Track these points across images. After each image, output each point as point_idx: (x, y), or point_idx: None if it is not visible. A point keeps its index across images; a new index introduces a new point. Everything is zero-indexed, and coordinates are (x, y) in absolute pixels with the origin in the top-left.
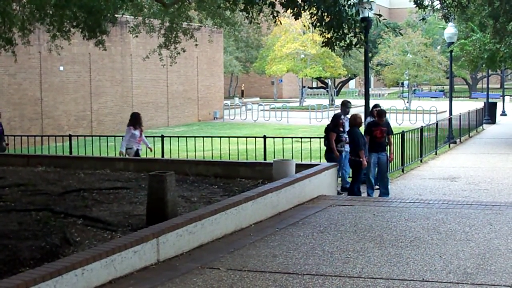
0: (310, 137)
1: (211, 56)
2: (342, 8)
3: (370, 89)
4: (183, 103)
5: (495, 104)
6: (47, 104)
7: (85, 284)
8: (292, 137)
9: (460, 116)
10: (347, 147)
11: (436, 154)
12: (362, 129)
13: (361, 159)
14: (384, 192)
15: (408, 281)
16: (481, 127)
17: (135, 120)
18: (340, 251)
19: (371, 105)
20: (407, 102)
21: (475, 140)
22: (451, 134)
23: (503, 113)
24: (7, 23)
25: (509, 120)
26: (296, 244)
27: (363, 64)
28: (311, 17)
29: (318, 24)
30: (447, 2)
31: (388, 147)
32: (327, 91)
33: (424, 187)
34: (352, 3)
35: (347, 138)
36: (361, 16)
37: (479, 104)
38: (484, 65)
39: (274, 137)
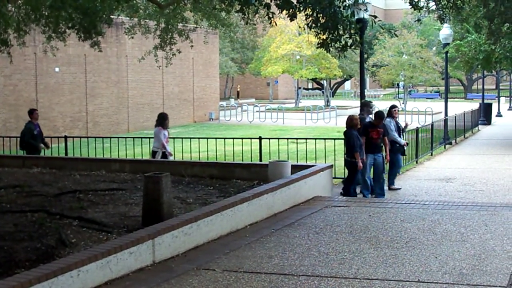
0: (306, 138)
1: (207, 57)
2: (338, 9)
3: (365, 90)
4: (179, 104)
5: (490, 105)
6: (42, 105)
7: (80, 285)
8: (287, 138)
9: (455, 117)
10: None
11: (431, 155)
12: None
13: (357, 161)
14: (380, 193)
15: (404, 282)
16: (476, 128)
17: (163, 120)
18: (335, 252)
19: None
20: (403, 103)
21: (471, 141)
22: (446, 135)
23: (499, 114)
24: (2, 24)
25: (504, 121)
26: (291, 245)
27: (359, 65)
28: (306, 18)
29: (313, 25)
30: (442, 3)
31: (384, 148)
32: (323, 92)
33: (420, 188)
34: (347, 5)
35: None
36: (356, 17)
37: (475, 105)
38: (479, 66)
39: (269, 138)
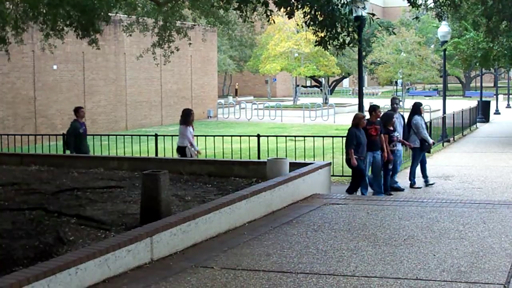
0: (304, 136)
1: (205, 55)
2: (336, 7)
3: (364, 88)
4: (177, 101)
5: (488, 102)
6: (40, 103)
7: (78, 283)
8: (286, 136)
9: (453, 114)
10: (399, 146)
11: (429, 152)
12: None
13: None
14: (378, 191)
15: (402, 279)
16: (474, 126)
17: (188, 117)
18: (334, 250)
19: (365, 104)
20: (401, 101)
21: (469, 139)
22: (444, 133)
23: (497, 112)
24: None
25: (502, 119)
26: (290, 243)
27: (357, 63)
28: (304, 16)
29: (311, 23)
30: (441, 1)
31: (381, 145)
32: (321, 90)
33: (418, 185)
34: (345, 2)
35: (399, 136)
36: (354, 15)
37: (473, 103)
38: (477, 64)
39: (268, 136)
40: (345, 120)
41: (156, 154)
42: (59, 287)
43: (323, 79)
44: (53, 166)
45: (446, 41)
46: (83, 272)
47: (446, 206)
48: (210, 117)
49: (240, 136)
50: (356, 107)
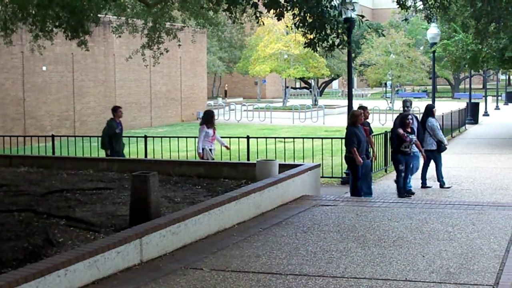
0: (294, 137)
1: (194, 56)
2: (325, 9)
3: (353, 90)
4: (166, 103)
5: (477, 104)
6: (29, 104)
7: (68, 285)
8: (275, 137)
9: (442, 116)
10: (414, 148)
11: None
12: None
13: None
14: (367, 192)
15: (391, 281)
16: (463, 127)
17: (208, 119)
18: (323, 251)
19: (354, 106)
20: (390, 103)
21: (458, 140)
22: None
23: (486, 114)
24: None
25: (491, 121)
26: (279, 244)
27: (346, 65)
28: (293, 18)
29: (300, 24)
30: (430, 2)
31: (370, 146)
32: (310, 91)
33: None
34: (335, 4)
35: (413, 139)
36: (344, 16)
37: (462, 105)
38: (466, 66)
39: (257, 137)
40: (335, 122)
41: (146, 156)
42: None
43: (312, 80)
44: (42, 167)
45: (435, 43)
46: (72, 273)
47: (435, 208)
48: (200, 118)
49: (230, 137)
50: (346, 109)
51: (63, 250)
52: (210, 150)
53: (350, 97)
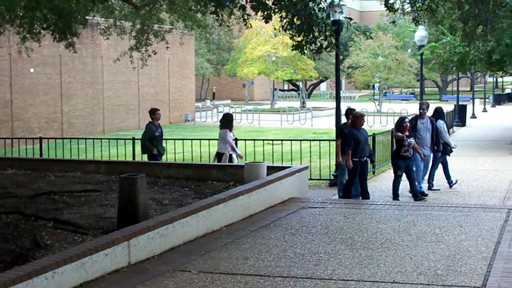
0: (282, 140)
1: (183, 58)
2: (313, 11)
3: (341, 92)
4: (154, 105)
5: (465, 106)
6: (17, 106)
7: (55, 287)
8: (263, 140)
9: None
10: (424, 151)
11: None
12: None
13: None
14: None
15: (379, 282)
16: (451, 130)
17: (229, 122)
18: (311, 253)
19: (342, 108)
20: (378, 105)
21: None
22: None
23: (473, 116)
24: None
25: (478, 123)
26: (267, 246)
27: (334, 67)
28: (281, 20)
29: (288, 27)
30: (417, 5)
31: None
32: (299, 93)
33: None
34: (323, 7)
35: (412, 142)
36: (332, 19)
37: (449, 107)
38: (454, 68)
39: (245, 140)
40: (323, 124)
41: (134, 158)
42: None
43: (300, 83)
44: (30, 169)
45: (423, 45)
46: (60, 276)
47: (423, 210)
48: (188, 120)
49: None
50: (334, 111)
51: (51, 252)
52: (231, 155)
53: (338, 99)
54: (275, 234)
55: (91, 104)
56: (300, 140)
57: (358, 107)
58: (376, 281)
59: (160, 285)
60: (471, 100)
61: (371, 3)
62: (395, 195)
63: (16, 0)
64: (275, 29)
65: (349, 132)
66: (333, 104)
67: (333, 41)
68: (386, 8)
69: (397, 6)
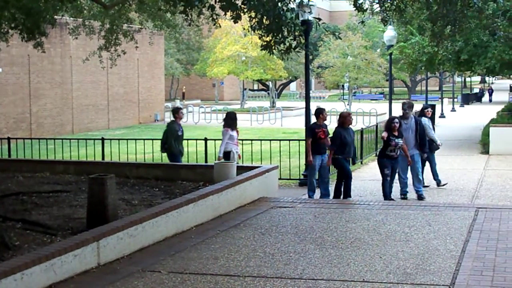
0: (252, 139)
1: (152, 58)
2: (282, 11)
3: (311, 92)
4: (124, 105)
5: (434, 106)
6: None
7: None
8: None
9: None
10: (413, 152)
11: (376, 155)
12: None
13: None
14: (324, 193)
15: (349, 282)
16: None
17: (232, 121)
18: (281, 253)
19: (312, 108)
20: (348, 104)
21: None
22: None
23: (442, 115)
24: None
25: (447, 122)
26: (237, 246)
27: (304, 67)
28: (250, 20)
29: (257, 27)
30: (386, 5)
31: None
32: (268, 93)
33: (365, 188)
34: (292, 7)
35: (399, 143)
36: (301, 19)
37: (418, 107)
38: (423, 68)
39: (215, 140)
40: (292, 124)
41: (103, 158)
42: None
43: (270, 82)
44: None
45: (392, 45)
46: (28, 277)
47: (392, 209)
48: (157, 120)
49: (187, 139)
50: (303, 111)
51: (19, 253)
52: (230, 152)
53: (307, 99)
54: (245, 234)
55: (60, 104)
56: (270, 140)
57: (327, 106)
58: (346, 280)
59: (130, 286)
60: (440, 100)
61: (341, 3)
62: (386, 196)
63: None
64: (244, 29)
65: (336, 132)
66: (303, 104)
67: (302, 41)
68: (355, 8)
69: (366, 6)
